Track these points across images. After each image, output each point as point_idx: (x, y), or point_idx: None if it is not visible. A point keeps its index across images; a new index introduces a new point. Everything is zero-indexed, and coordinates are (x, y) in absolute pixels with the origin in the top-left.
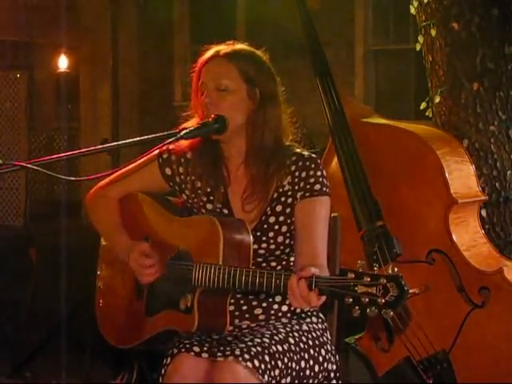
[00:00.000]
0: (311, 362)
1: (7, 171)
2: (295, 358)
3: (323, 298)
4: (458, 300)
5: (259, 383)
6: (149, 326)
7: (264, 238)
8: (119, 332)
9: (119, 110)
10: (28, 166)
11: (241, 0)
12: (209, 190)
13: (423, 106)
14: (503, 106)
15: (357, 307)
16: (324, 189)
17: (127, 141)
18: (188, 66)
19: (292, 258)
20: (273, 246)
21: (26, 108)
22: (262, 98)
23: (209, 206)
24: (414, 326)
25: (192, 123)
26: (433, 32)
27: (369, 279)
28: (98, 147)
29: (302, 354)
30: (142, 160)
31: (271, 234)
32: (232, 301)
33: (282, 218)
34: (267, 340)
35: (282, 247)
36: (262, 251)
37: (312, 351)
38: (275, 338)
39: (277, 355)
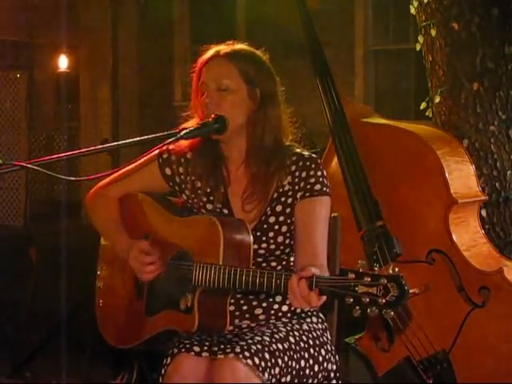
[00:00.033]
0: (311, 362)
1: (7, 171)
2: (295, 356)
3: (324, 298)
4: (457, 300)
5: (259, 380)
6: (149, 326)
7: (264, 238)
8: (119, 332)
9: (119, 110)
10: (28, 166)
11: (241, 0)
12: (209, 190)
13: (423, 106)
14: (503, 105)
15: (357, 307)
16: (324, 189)
17: (127, 141)
18: (188, 66)
19: (292, 258)
20: (273, 246)
21: (25, 108)
22: (263, 98)
23: (209, 206)
24: (414, 326)
25: (192, 123)
26: (433, 32)
27: (369, 279)
28: (97, 147)
29: (302, 353)
30: (142, 160)
31: (271, 234)
32: (232, 301)
33: (282, 218)
34: (267, 338)
35: (282, 247)
36: (262, 251)
37: (312, 351)
38: (275, 336)
39: (277, 353)
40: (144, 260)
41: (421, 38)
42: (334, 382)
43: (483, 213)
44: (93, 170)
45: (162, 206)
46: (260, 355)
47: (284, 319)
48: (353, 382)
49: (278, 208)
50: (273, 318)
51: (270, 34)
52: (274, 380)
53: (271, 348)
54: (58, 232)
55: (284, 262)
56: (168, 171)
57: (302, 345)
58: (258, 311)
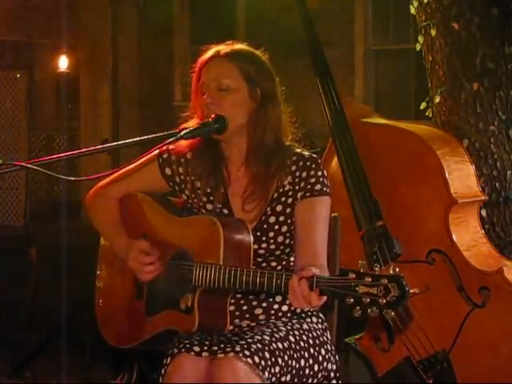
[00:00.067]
0: (311, 361)
1: (7, 171)
2: (295, 356)
3: (324, 298)
4: (458, 300)
5: (259, 379)
6: (149, 326)
7: (264, 238)
8: (119, 332)
9: (119, 110)
10: (28, 166)
11: (241, 0)
12: (209, 190)
13: (423, 106)
14: (503, 106)
15: (358, 307)
16: (324, 189)
17: (127, 141)
18: (188, 66)
19: (292, 258)
20: (273, 246)
21: (25, 108)
22: (263, 98)
23: (209, 206)
24: (414, 326)
25: (192, 123)
26: (433, 32)
27: (370, 279)
28: (98, 147)
29: (302, 352)
30: (142, 160)
31: (271, 234)
32: (232, 301)
33: (282, 218)
34: (267, 337)
35: (282, 247)
36: (262, 251)
37: (312, 350)
38: (275, 335)
39: (277, 352)
40: (143, 260)
41: (421, 38)
42: (334, 381)
43: (483, 213)
44: (93, 170)
45: (162, 206)
46: (260, 354)
47: (284, 319)
48: (353, 382)
49: (279, 208)
50: (273, 317)
51: (270, 33)
52: (273, 379)
53: (271, 347)
54: (58, 232)
55: (284, 262)
56: (168, 171)
57: (302, 344)
58: (258, 311)
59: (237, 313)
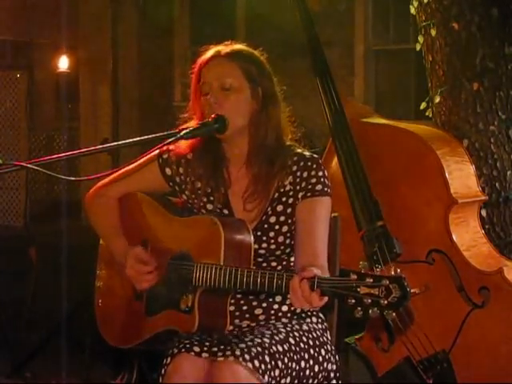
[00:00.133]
0: (311, 362)
1: (7, 171)
2: (295, 357)
3: (325, 298)
4: (457, 300)
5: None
6: (149, 326)
7: (264, 238)
8: (119, 332)
9: (119, 110)
10: (28, 166)
11: (241, 0)
12: (209, 190)
13: (423, 106)
14: (503, 106)
15: (359, 308)
16: (325, 189)
17: (127, 141)
18: (188, 66)
19: (293, 258)
20: (273, 246)
21: (26, 108)
22: (264, 98)
23: (209, 207)
24: (414, 326)
25: (192, 124)
26: (433, 32)
27: (371, 280)
28: (98, 147)
29: (302, 353)
30: (142, 160)
31: (272, 234)
32: (232, 301)
33: (282, 218)
34: (267, 340)
35: (282, 247)
36: (262, 251)
37: (312, 351)
38: (275, 337)
39: (277, 355)
40: (141, 269)
41: (421, 38)
42: (334, 382)
43: (483, 213)
44: (93, 170)
45: (162, 206)
46: (260, 358)
47: (284, 319)
48: (353, 382)
49: (279, 208)
50: (273, 318)
51: (270, 33)
52: (273, 382)
53: (271, 350)
54: (58, 232)
55: (284, 262)
56: (168, 171)
57: (302, 345)
58: (258, 311)
59: (237, 313)
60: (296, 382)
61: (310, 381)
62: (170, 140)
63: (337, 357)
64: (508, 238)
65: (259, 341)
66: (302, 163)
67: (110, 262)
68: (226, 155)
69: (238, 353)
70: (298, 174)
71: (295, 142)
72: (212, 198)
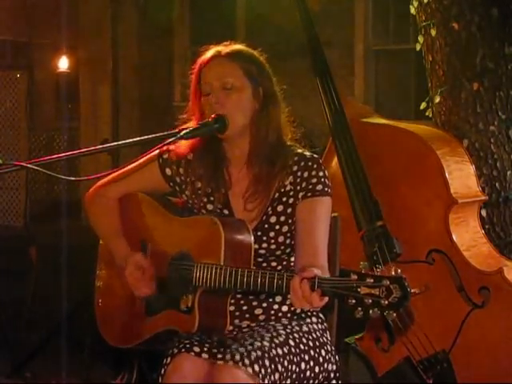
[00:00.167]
0: (311, 363)
1: (7, 171)
2: (295, 360)
3: (326, 299)
4: (457, 300)
5: None
6: (149, 326)
7: (265, 238)
8: (119, 332)
9: (119, 110)
10: (28, 166)
11: (241, 0)
12: (209, 190)
13: (423, 106)
14: (503, 106)
15: (359, 308)
16: (326, 189)
17: (127, 141)
18: (188, 66)
19: (293, 259)
20: (273, 246)
21: (25, 108)
22: (265, 97)
23: (209, 207)
24: (414, 326)
25: (192, 124)
26: (433, 32)
27: (372, 280)
28: (98, 147)
29: (302, 355)
30: (142, 160)
31: (272, 234)
32: (232, 301)
33: (283, 218)
34: (267, 344)
35: (282, 247)
36: (262, 251)
37: (312, 352)
38: (275, 340)
39: (277, 359)
40: (139, 278)
41: (421, 38)
42: (334, 382)
43: (483, 213)
44: (93, 170)
45: (163, 206)
46: (260, 362)
47: (284, 319)
48: (353, 382)
49: (280, 208)
50: (273, 318)
51: (270, 33)
52: None
53: (271, 354)
54: (58, 232)
55: (285, 262)
56: (168, 171)
57: (302, 347)
58: (258, 311)
59: (237, 313)
60: (296, 383)
61: (311, 381)
62: (170, 140)
63: (337, 357)
64: (508, 237)
65: (259, 344)
66: (302, 163)
67: (110, 262)
68: (227, 155)
69: (237, 357)
70: (299, 174)
71: (295, 141)
72: (212, 199)
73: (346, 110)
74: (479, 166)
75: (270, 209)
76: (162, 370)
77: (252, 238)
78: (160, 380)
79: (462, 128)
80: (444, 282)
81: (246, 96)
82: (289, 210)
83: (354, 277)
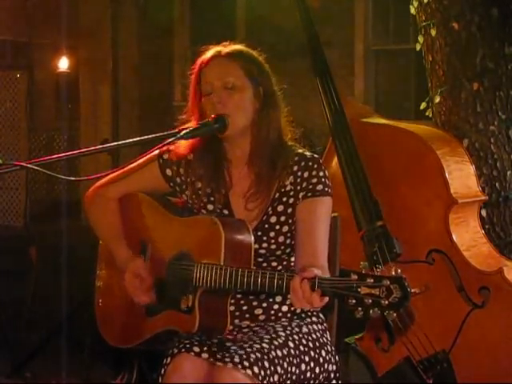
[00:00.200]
0: (312, 364)
1: (7, 171)
2: (295, 361)
3: (326, 299)
4: (458, 300)
5: None
6: (149, 326)
7: (265, 238)
8: (119, 332)
9: (119, 110)
10: (28, 166)
11: (241, 0)
12: (209, 191)
13: (423, 106)
14: (503, 106)
15: (360, 308)
16: (326, 189)
17: (127, 141)
18: (188, 66)
19: (293, 259)
20: (274, 246)
21: (26, 108)
22: (265, 97)
23: (209, 207)
24: (414, 326)
25: (192, 124)
26: (433, 32)
27: (372, 281)
28: (98, 147)
29: (302, 356)
30: (142, 160)
31: (272, 234)
32: (232, 301)
33: (283, 218)
34: (266, 345)
35: (282, 247)
36: (262, 251)
37: (312, 353)
38: (274, 342)
39: (276, 361)
40: (137, 286)
41: (421, 38)
42: (334, 382)
43: (483, 213)
44: (93, 170)
45: (163, 206)
46: (259, 364)
47: (284, 319)
48: (353, 382)
49: (280, 208)
50: (273, 318)
51: (270, 33)
52: None
53: (270, 355)
54: (57, 232)
55: (285, 262)
56: (168, 172)
57: (302, 348)
58: (258, 311)
59: (237, 313)
60: None
61: (311, 382)
62: (170, 140)
63: (337, 357)
64: (508, 237)
65: (258, 346)
66: (303, 163)
67: (110, 262)
68: (228, 156)
69: (237, 360)
70: (299, 174)
71: (295, 141)
72: (212, 199)
73: (346, 110)
74: (479, 166)
75: (270, 209)
76: (162, 370)
77: (252, 237)
78: (160, 380)
79: (462, 128)
80: (444, 281)
81: (248, 96)
82: (289, 210)
83: (354, 277)
